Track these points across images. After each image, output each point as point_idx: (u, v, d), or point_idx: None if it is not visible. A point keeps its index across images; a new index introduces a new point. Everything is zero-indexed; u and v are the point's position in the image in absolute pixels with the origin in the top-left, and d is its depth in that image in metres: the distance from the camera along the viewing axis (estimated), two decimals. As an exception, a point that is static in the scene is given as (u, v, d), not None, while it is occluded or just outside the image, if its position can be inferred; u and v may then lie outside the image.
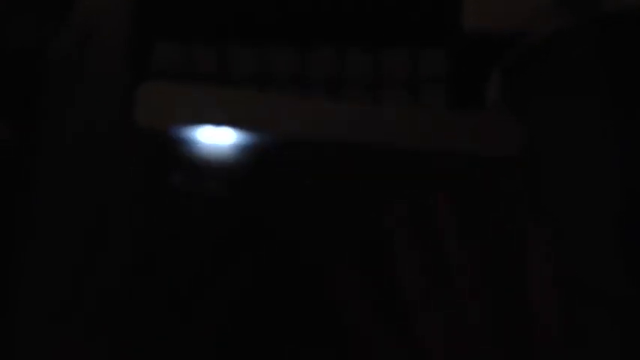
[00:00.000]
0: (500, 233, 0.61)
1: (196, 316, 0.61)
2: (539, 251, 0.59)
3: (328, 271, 0.61)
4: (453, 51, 0.69)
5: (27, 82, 0.69)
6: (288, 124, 0.60)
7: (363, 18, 0.70)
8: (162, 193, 0.64)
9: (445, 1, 0.70)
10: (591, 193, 0.65)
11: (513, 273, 0.59)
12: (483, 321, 0.57)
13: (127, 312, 0.62)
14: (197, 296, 0.61)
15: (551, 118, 0.66)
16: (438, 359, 0.56)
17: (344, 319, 0.59)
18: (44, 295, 0.64)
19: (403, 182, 0.62)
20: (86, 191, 0.67)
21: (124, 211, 0.65)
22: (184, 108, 0.60)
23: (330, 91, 0.70)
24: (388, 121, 0.60)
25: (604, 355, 0.62)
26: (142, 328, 0.61)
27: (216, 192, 0.62)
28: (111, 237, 0.65)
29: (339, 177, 0.62)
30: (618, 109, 0.66)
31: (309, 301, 0.63)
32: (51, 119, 0.68)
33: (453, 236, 0.59)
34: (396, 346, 0.58)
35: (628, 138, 0.65)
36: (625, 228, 0.64)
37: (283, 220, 0.62)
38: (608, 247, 0.64)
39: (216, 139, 0.61)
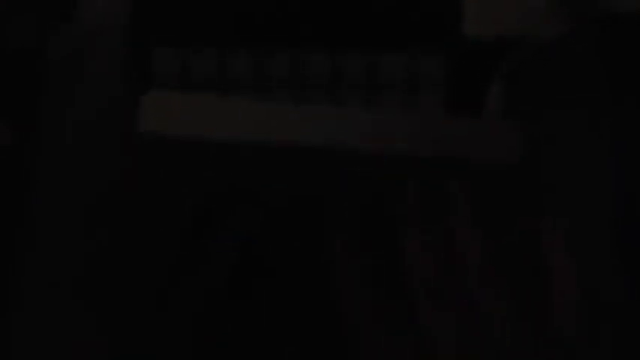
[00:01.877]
0: (514, 223, 0.60)
1: (173, 304, 0.60)
2: (557, 240, 0.58)
3: (328, 256, 0.60)
4: (453, 55, 0.69)
5: (27, 82, 0.68)
6: (287, 132, 0.60)
7: (361, 21, 0.70)
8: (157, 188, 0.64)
9: (445, 5, 0.70)
10: (588, 194, 0.65)
11: (529, 262, 0.58)
12: (497, 310, 0.55)
13: (117, 304, 0.62)
14: (174, 284, 0.60)
15: (550, 119, 0.67)
16: (447, 350, 0.55)
17: (343, 310, 0.59)
18: (44, 295, 0.64)
19: (415, 169, 0.61)
20: (85, 191, 0.67)
21: (122, 208, 0.65)
22: (188, 117, 0.60)
23: (328, 94, 0.70)
24: (386, 126, 0.60)
25: (602, 355, 0.62)
26: (126, 318, 0.61)
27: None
28: (109, 235, 0.65)
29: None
30: (616, 109, 0.66)
31: (288, 296, 0.63)
32: (51, 119, 0.68)
33: (467, 225, 0.58)
34: (398, 338, 0.57)
35: (624, 139, 0.65)
36: (621, 229, 0.64)
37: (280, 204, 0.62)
38: (605, 248, 0.64)
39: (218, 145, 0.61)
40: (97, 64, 0.69)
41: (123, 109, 0.69)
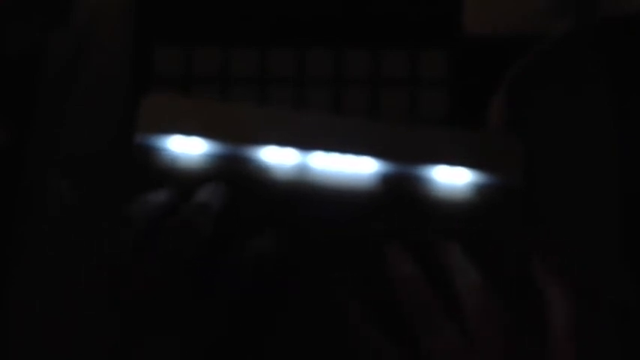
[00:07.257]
0: (506, 256, 0.61)
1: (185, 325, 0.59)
2: (548, 267, 0.59)
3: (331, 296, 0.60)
4: (454, 53, 0.69)
5: (26, 83, 0.69)
6: (287, 138, 0.60)
7: (363, 19, 0.70)
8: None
9: (446, 3, 0.70)
10: (592, 199, 0.65)
11: (522, 285, 0.59)
12: (493, 336, 0.56)
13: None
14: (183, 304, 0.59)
15: (552, 124, 0.66)
16: None
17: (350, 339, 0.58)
18: (43, 297, 0.64)
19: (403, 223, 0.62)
20: (84, 193, 0.67)
21: (121, 213, 0.65)
22: (187, 120, 0.60)
23: (329, 92, 0.70)
24: (386, 137, 0.60)
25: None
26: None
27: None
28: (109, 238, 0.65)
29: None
30: (620, 109, 0.66)
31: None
32: (50, 120, 0.68)
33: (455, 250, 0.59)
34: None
35: (628, 141, 0.65)
36: (627, 231, 0.64)
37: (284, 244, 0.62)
38: (611, 250, 0.64)
39: (216, 151, 0.61)
40: (97, 65, 0.69)
41: (123, 109, 0.69)
